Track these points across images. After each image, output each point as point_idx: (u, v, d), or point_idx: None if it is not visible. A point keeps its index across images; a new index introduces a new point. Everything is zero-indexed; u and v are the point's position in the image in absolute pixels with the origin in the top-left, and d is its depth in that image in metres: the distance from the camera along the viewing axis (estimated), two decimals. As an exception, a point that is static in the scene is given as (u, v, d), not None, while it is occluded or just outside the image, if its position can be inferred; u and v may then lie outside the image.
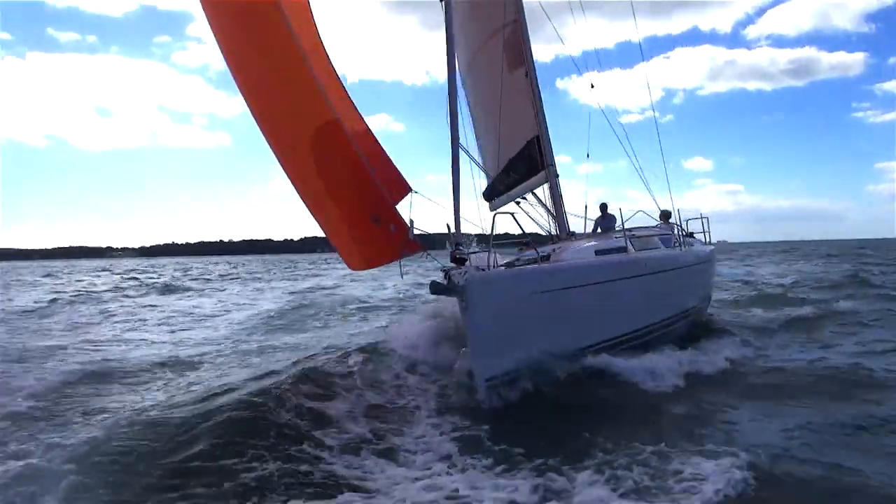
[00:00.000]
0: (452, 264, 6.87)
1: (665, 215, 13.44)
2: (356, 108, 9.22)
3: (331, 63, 8.96)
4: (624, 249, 9.03)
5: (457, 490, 4.73)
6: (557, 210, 10.22)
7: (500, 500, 4.54)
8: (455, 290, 6.57)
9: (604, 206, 12.87)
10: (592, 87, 13.41)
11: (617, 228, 12.24)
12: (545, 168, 10.11)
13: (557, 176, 10.24)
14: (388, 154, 9.51)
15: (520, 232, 8.93)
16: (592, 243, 9.25)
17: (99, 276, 49.13)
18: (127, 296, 27.17)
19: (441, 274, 7.14)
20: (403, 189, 9.87)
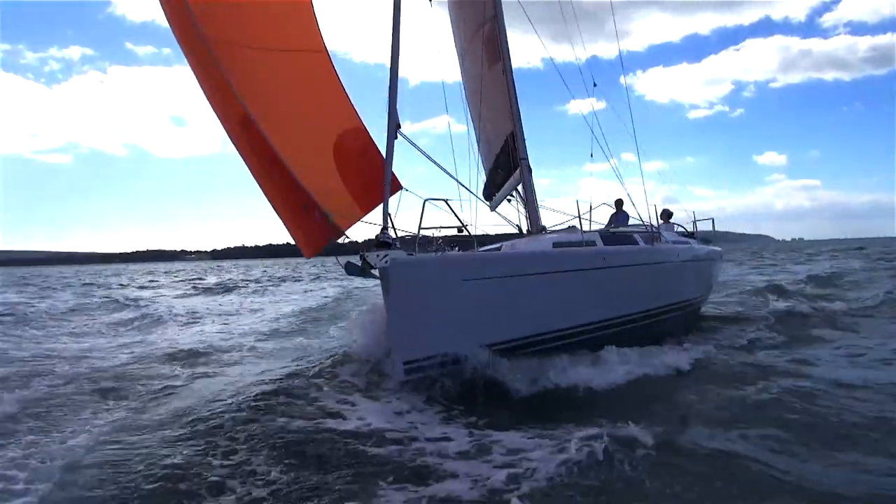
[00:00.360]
0: (374, 247, 6.87)
1: (666, 214, 13.36)
2: (352, 107, 9.53)
3: (330, 64, 9.31)
4: (590, 243, 9.01)
5: (413, 424, 6.04)
6: (529, 205, 10.24)
7: (441, 431, 5.84)
8: (366, 270, 6.70)
9: (619, 203, 12.86)
10: (595, 85, 13.40)
11: (630, 223, 12.31)
12: (518, 163, 10.16)
13: (531, 171, 10.28)
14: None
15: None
16: (552, 236, 9.24)
17: (170, 277, 52.17)
18: (187, 294, 29.09)
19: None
20: (394, 187, 10.16)
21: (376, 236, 7.05)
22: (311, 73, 9.23)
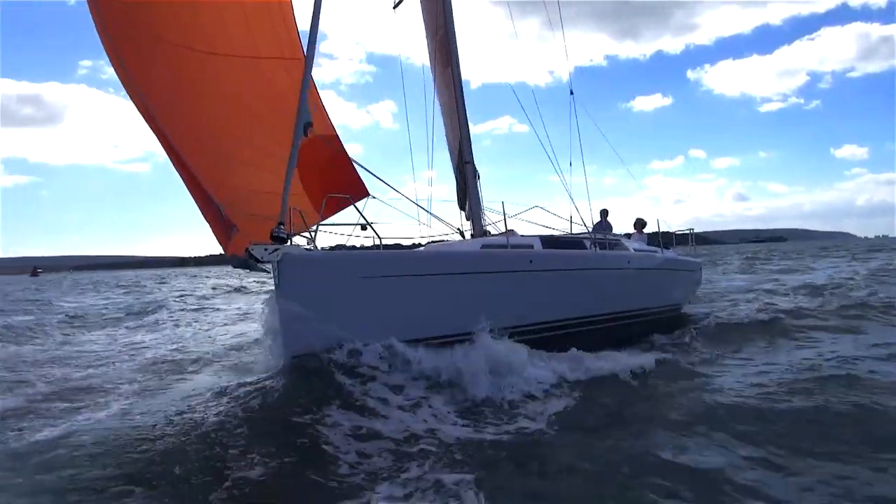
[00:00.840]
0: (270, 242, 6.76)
1: (639, 224, 13.19)
2: (325, 114, 9.74)
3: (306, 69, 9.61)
4: (525, 247, 8.92)
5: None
6: (472, 208, 10.16)
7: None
8: (250, 264, 6.70)
9: (604, 213, 13.11)
10: (572, 93, 13.23)
11: (612, 232, 12.26)
12: (462, 165, 10.13)
13: (476, 175, 10.21)
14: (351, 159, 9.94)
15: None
16: (484, 239, 9.15)
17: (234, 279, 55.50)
18: (240, 293, 30.92)
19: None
20: (360, 193, 10.31)
21: (271, 231, 6.90)
22: (272, 80, 9.40)
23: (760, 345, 10.19)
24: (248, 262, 6.79)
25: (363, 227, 7.70)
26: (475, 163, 10.41)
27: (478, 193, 10.18)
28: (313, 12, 8.10)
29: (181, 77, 8.21)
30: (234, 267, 7.14)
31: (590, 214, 12.10)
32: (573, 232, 11.17)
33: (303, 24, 8.95)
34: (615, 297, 10.05)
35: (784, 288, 19.85)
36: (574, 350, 8.37)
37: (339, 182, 10.00)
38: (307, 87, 7.93)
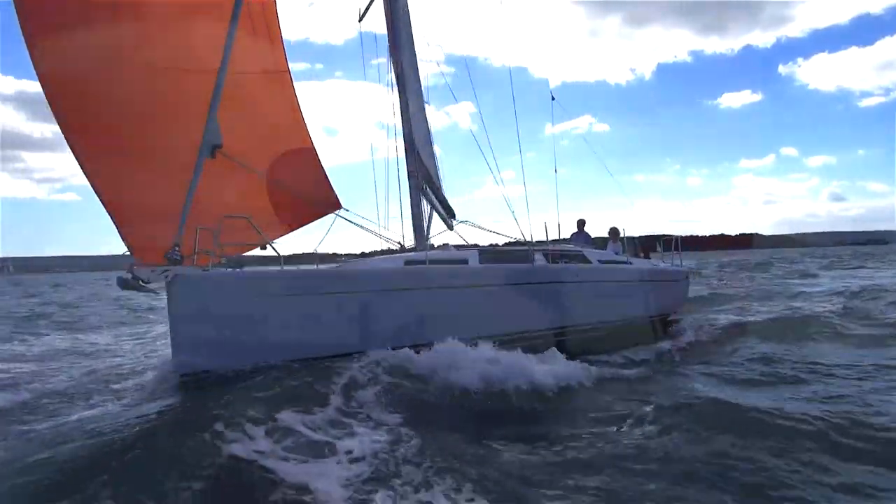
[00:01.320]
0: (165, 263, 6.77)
1: (613, 233, 12.89)
2: (302, 125, 9.91)
3: (290, 85, 9.63)
4: (460, 261, 8.81)
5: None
6: (414, 221, 10.05)
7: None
8: (134, 285, 6.68)
9: (580, 223, 12.97)
10: (553, 98, 12.92)
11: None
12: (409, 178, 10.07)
13: (419, 188, 10.08)
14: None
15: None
16: (409, 255, 9.05)
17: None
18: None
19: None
20: (330, 206, 10.43)
21: (165, 253, 6.86)
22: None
23: (736, 350, 10.07)
24: (130, 283, 6.80)
25: (262, 247, 7.69)
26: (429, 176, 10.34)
27: (420, 208, 10.08)
28: (229, 25, 7.57)
29: (132, 92, 8.05)
30: (122, 288, 7.08)
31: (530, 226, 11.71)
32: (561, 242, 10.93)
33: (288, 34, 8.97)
34: (563, 310, 9.69)
35: (813, 293, 19.62)
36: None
37: (308, 195, 10.13)
38: (216, 105, 7.66)
